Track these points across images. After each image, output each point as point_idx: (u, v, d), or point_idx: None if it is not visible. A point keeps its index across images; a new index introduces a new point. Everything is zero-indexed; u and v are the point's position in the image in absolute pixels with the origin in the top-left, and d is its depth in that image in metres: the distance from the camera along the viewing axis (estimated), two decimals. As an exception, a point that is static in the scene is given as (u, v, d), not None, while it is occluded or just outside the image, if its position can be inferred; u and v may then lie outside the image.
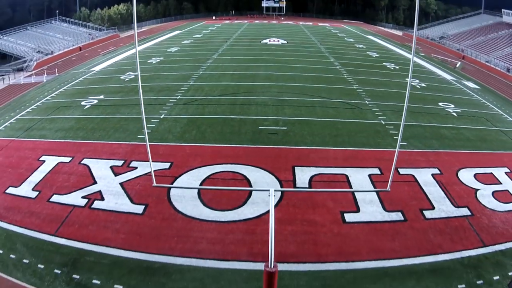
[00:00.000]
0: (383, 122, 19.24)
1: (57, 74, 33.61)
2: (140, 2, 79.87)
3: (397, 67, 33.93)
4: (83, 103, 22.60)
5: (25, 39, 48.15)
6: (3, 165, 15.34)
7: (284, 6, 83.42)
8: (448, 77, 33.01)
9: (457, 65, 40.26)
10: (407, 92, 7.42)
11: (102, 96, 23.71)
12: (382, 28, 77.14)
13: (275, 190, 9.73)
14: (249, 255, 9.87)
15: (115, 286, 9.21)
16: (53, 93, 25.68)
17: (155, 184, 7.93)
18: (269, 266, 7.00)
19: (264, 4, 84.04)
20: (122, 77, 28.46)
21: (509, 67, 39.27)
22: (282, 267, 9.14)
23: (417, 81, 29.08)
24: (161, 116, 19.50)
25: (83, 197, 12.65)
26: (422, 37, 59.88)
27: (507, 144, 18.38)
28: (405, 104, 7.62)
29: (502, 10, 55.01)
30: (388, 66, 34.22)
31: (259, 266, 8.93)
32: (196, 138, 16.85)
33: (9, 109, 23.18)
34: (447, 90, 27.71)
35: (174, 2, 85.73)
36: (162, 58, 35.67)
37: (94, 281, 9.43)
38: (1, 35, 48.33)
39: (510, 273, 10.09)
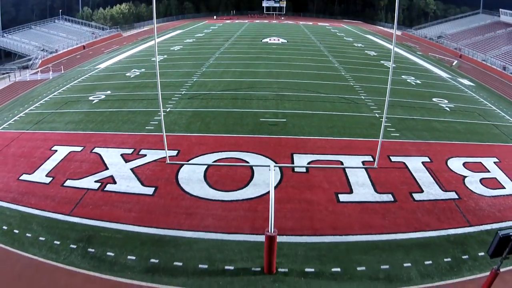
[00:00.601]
0: (377, 115, 20.14)
1: (62, 72, 34.49)
2: (142, 2, 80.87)
3: (394, 65, 34.78)
4: (91, 98, 23.50)
5: (29, 37, 49.04)
6: (15, 155, 16.19)
7: (285, 6, 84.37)
8: (444, 74, 33.89)
9: (454, 63, 41.15)
10: (390, 74, 8.32)
11: (109, 92, 24.61)
12: (381, 27, 78.06)
13: (274, 166, 10.65)
14: (251, 229, 10.80)
15: (128, 257, 10.11)
16: (60, 89, 26.55)
17: (168, 161, 8.83)
18: (269, 231, 7.89)
19: (264, 4, 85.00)
20: (127, 74, 29.37)
21: (505, 66, 40.11)
22: (281, 239, 10.05)
23: (413, 78, 30.00)
24: (167, 110, 20.41)
25: (95, 181, 13.57)
26: (421, 37, 60.82)
27: (498, 136, 19.22)
28: (388, 85, 8.52)
29: (500, 9, 55.87)
30: (385, 64, 35.11)
31: (260, 238, 9.84)
32: (201, 129, 17.79)
33: (17, 104, 24.02)
34: (442, 87, 28.59)
35: (176, 2, 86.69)
36: (165, 56, 36.58)
37: (108, 253, 10.32)
38: (6, 33, 49.25)
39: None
